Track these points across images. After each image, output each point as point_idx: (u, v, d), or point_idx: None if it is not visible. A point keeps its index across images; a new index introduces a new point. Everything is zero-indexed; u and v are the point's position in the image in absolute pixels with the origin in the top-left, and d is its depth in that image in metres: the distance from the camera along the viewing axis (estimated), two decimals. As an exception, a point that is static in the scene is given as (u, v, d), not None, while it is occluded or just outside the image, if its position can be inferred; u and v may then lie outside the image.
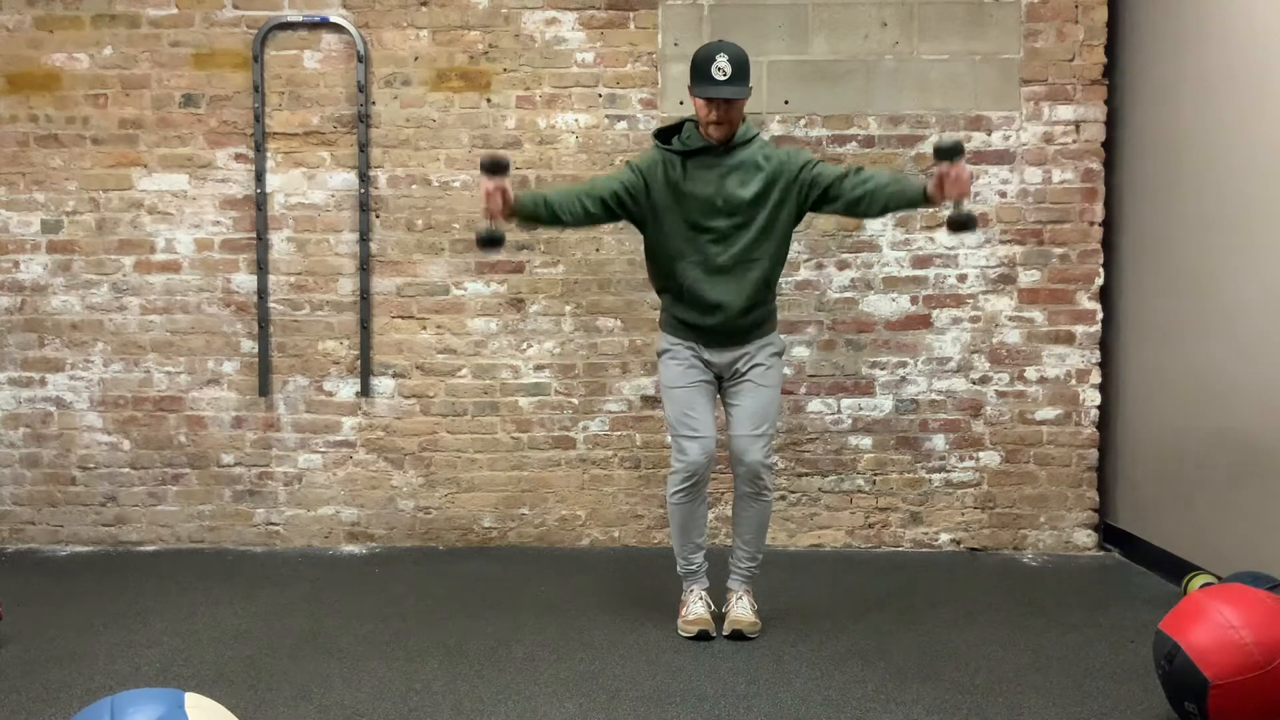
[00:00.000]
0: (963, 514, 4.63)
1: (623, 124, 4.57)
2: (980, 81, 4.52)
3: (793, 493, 4.63)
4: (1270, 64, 3.59)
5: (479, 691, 3.02)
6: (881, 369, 4.61)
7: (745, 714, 2.86)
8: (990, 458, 4.62)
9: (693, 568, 3.59)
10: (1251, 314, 3.67)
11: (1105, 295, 4.59)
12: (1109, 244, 4.59)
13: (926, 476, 4.62)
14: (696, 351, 3.48)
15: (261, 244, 4.59)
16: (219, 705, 2.06)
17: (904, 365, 4.60)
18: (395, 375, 4.64)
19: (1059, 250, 4.58)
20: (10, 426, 4.65)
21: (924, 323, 4.60)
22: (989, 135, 4.54)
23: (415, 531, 4.66)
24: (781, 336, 3.66)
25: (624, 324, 4.61)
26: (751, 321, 3.45)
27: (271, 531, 4.67)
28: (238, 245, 4.60)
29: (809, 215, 4.43)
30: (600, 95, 4.57)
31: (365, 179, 4.57)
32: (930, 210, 4.57)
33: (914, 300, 4.59)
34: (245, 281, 4.61)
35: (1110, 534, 4.63)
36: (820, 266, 4.60)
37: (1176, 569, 4.03)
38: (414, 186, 4.60)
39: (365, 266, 4.59)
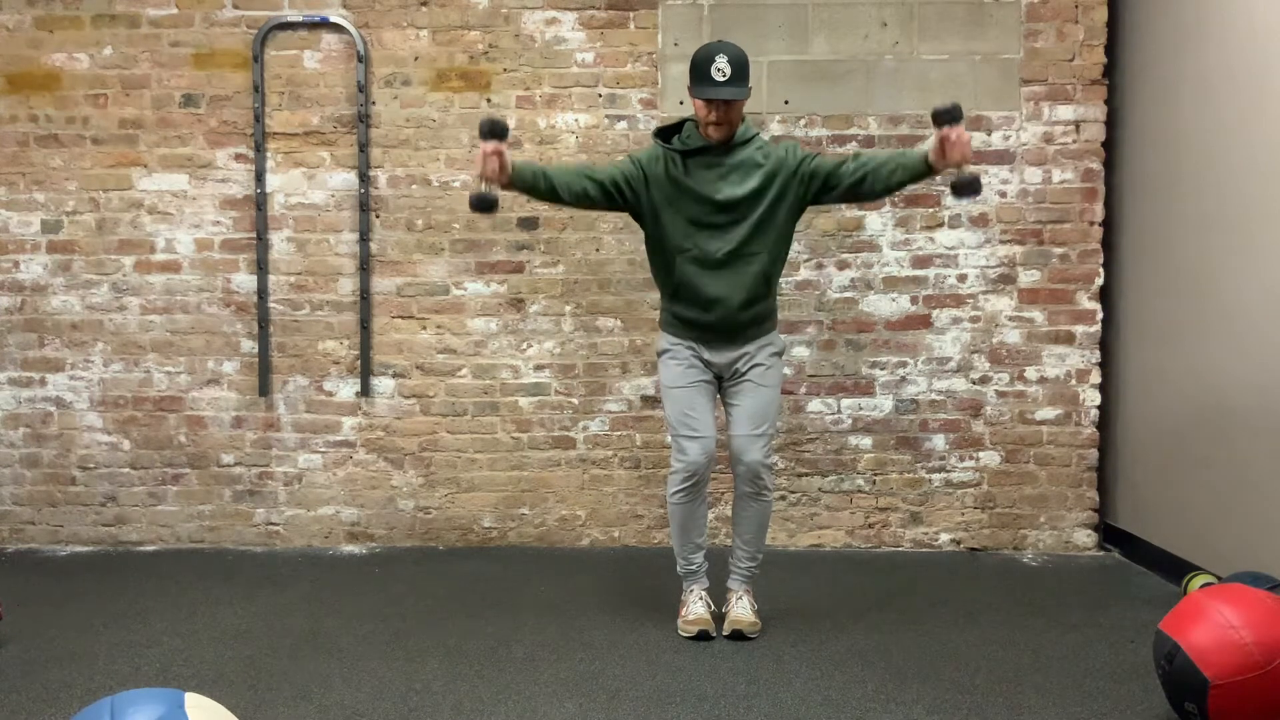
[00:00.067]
0: (963, 514, 4.63)
1: (623, 124, 4.57)
2: (980, 81, 4.52)
3: (793, 493, 4.63)
4: (1270, 64, 3.59)
5: (479, 691, 3.02)
6: (881, 369, 4.61)
7: (745, 714, 2.86)
8: (990, 458, 4.62)
9: (693, 568, 3.59)
10: (1251, 314, 3.67)
11: (1105, 295, 4.59)
12: (1109, 244, 4.59)
13: (926, 476, 4.62)
14: (696, 351, 3.48)
15: (261, 244, 4.59)
16: (219, 705, 2.06)
17: (904, 365, 4.61)
18: (395, 375, 4.64)
19: (1059, 250, 4.58)
20: (10, 426, 4.65)
21: (924, 323, 4.60)
22: (989, 135, 4.54)
23: (415, 531, 4.66)
24: (781, 336, 3.66)
25: (624, 324, 4.62)
26: (751, 317, 3.45)
27: (271, 531, 4.67)
28: (238, 245, 4.61)
29: (809, 215, 4.46)
30: (600, 95, 4.57)
31: (365, 179, 4.57)
32: (931, 209, 4.58)
33: (914, 300, 4.59)
34: (245, 281, 4.61)
35: (1110, 534, 4.63)
36: (820, 266, 4.60)
37: (1176, 569, 4.03)
38: (414, 186, 4.60)
39: (365, 266, 4.60)
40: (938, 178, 4.55)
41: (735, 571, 3.59)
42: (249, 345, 4.62)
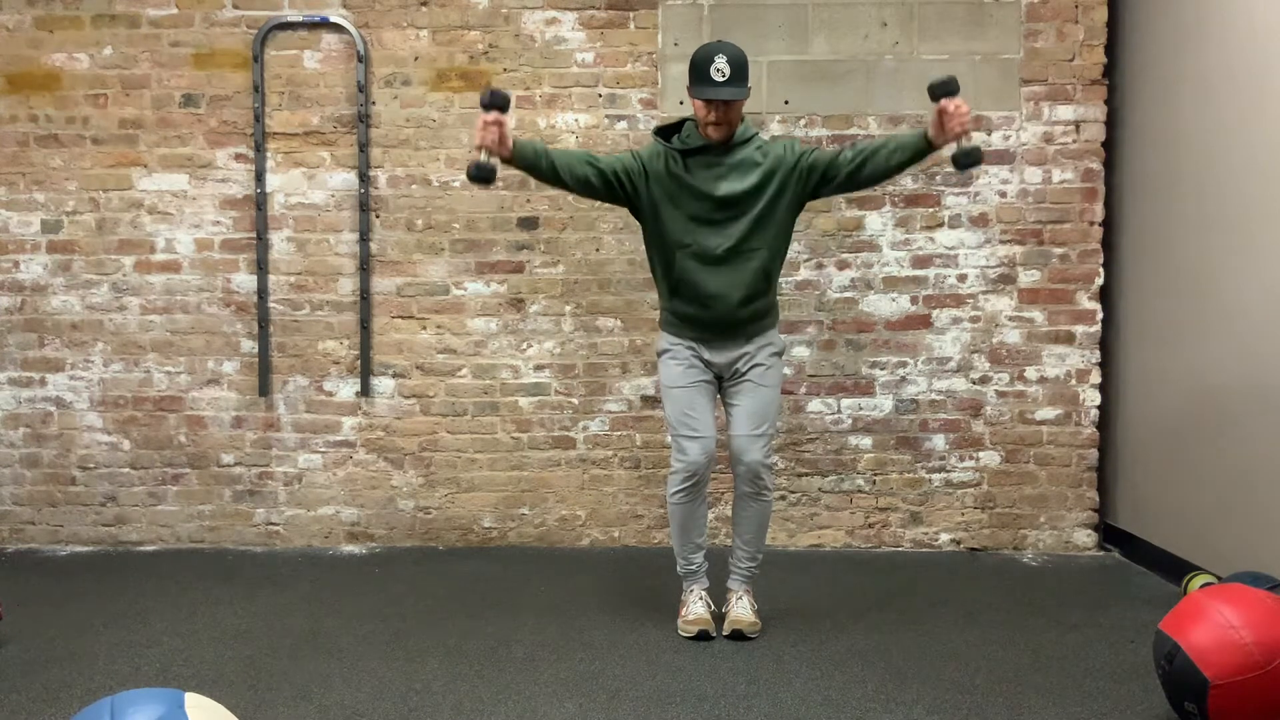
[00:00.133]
0: (963, 514, 4.63)
1: (623, 124, 4.57)
2: (980, 81, 4.52)
3: (793, 493, 4.63)
4: (1270, 64, 3.59)
5: (479, 691, 3.02)
6: (881, 369, 4.61)
7: (745, 714, 2.86)
8: (990, 458, 4.62)
9: (693, 568, 3.59)
10: (1251, 314, 3.67)
11: (1105, 295, 4.59)
12: (1109, 244, 4.59)
13: (926, 476, 4.62)
14: (697, 351, 3.48)
15: (261, 244, 4.59)
16: (219, 705, 2.06)
17: (904, 365, 4.60)
18: (395, 375, 4.64)
19: (1059, 250, 4.58)
20: (10, 426, 4.65)
21: (924, 323, 4.60)
22: (989, 135, 4.54)
23: (415, 531, 4.66)
24: (781, 336, 3.65)
25: (624, 324, 4.62)
26: (750, 314, 3.44)
27: (271, 531, 4.67)
28: (238, 245, 4.61)
29: (809, 215, 4.47)
30: (600, 95, 4.57)
31: (365, 179, 4.57)
32: (931, 209, 4.58)
33: (914, 300, 4.59)
34: (245, 281, 4.61)
35: (1110, 534, 4.63)
36: (820, 266, 4.60)
37: (1176, 569, 4.03)
38: (414, 186, 4.60)
39: (365, 266, 4.60)
40: (936, 179, 4.57)
41: (735, 571, 3.59)
42: (249, 345, 4.62)
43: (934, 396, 4.61)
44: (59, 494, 4.66)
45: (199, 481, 4.65)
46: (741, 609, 3.51)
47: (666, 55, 4.56)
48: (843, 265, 4.59)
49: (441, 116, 4.58)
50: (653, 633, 3.53)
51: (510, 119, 3.28)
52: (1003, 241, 4.58)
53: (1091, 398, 4.59)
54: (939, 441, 4.61)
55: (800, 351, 4.60)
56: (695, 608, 3.52)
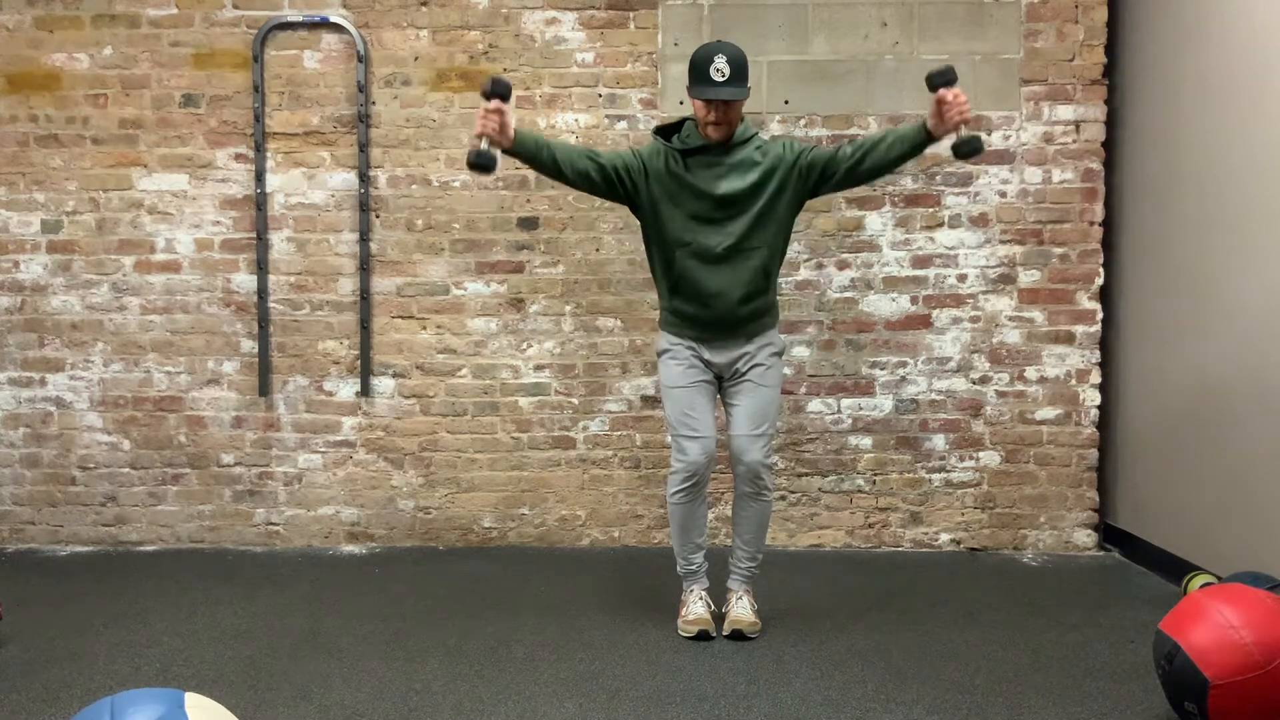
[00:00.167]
0: (963, 514, 4.63)
1: (623, 124, 4.57)
2: (980, 81, 4.51)
3: (793, 493, 4.63)
4: (1270, 64, 3.59)
5: (479, 691, 3.02)
6: (881, 369, 4.61)
7: (745, 714, 2.86)
8: (990, 458, 4.62)
9: (693, 568, 3.59)
10: (1251, 314, 3.67)
11: (1105, 295, 4.59)
12: (1109, 244, 4.59)
13: (926, 476, 4.62)
14: (697, 351, 3.48)
15: (261, 244, 4.59)
16: (219, 705, 2.06)
17: (904, 365, 4.60)
18: (395, 375, 4.64)
19: (1059, 250, 4.58)
20: (10, 426, 4.65)
21: (924, 323, 4.60)
22: (989, 135, 4.53)
23: (415, 531, 4.66)
24: (781, 336, 3.65)
25: (624, 324, 4.62)
26: (750, 312, 3.44)
27: (271, 531, 4.67)
28: (238, 245, 4.61)
29: (809, 215, 4.47)
30: (600, 95, 4.57)
31: (365, 179, 4.57)
32: (931, 209, 4.58)
33: (914, 300, 4.59)
34: (245, 281, 4.61)
35: (1110, 534, 4.63)
36: (820, 266, 4.60)
37: (1176, 569, 4.03)
38: (414, 186, 4.60)
39: (365, 266, 4.60)
40: (935, 179, 4.57)
41: (735, 571, 3.59)
42: (249, 345, 4.62)
43: (934, 396, 4.61)
44: (59, 494, 4.66)
45: (199, 481, 4.65)
46: (741, 609, 3.51)
47: (666, 55, 4.56)
48: (843, 265, 4.59)
49: (441, 116, 4.58)
50: (653, 633, 3.53)
51: (511, 112, 3.28)
52: (1003, 241, 4.58)
53: (1091, 398, 4.59)
54: (939, 441, 4.61)
55: (800, 351, 4.60)
56: (695, 608, 3.52)
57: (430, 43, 4.57)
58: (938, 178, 4.57)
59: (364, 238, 4.58)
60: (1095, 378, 4.60)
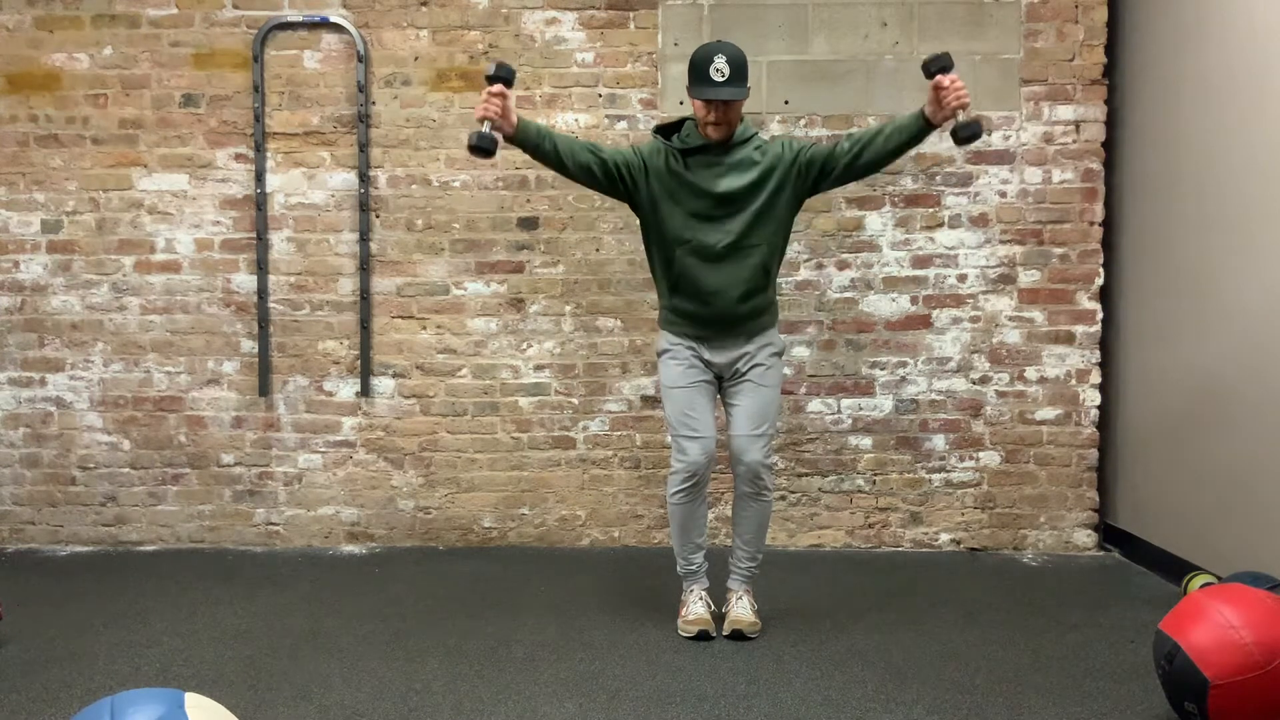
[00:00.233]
0: (963, 514, 4.63)
1: (623, 124, 4.57)
2: (980, 81, 4.51)
3: (793, 493, 4.63)
4: (1270, 64, 3.59)
5: (479, 691, 3.02)
6: (881, 369, 4.61)
7: (745, 714, 2.86)
8: (990, 458, 4.62)
9: (693, 568, 3.59)
10: (1251, 314, 3.67)
11: (1105, 295, 4.59)
12: (1109, 244, 4.59)
13: (926, 476, 4.62)
14: (697, 351, 3.48)
15: (261, 244, 4.59)
16: (219, 705, 2.06)
17: (904, 365, 4.60)
18: (395, 375, 4.64)
19: (1059, 250, 4.58)
20: (10, 426, 4.65)
21: (924, 323, 4.60)
22: (989, 135, 4.53)
23: (415, 531, 4.66)
24: (781, 336, 3.65)
25: (624, 324, 4.61)
26: (750, 310, 3.44)
27: (271, 531, 4.67)
28: (238, 245, 4.61)
29: (809, 215, 4.47)
30: (600, 95, 4.57)
31: (365, 179, 4.57)
32: (931, 209, 4.58)
33: (914, 300, 4.59)
34: (245, 281, 4.61)
35: (1110, 534, 4.63)
36: (820, 266, 4.60)
37: (1176, 569, 4.03)
38: (414, 186, 4.60)
39: (365, 266, 4.60)
40: (935, 179, 4.57)
41: (735, 571, 3.59)
42: (249, 345, 4.62)
43: (934, 396, 4.61)
44: (59, 494, 4.66)
45: (199, 481, 4.65)
46: (741, 609, 3.51)
47: (666, 55, 4.56)
48: (843, 265, 4.59)
49: (441, 116, 4.58)
50: (653, 633, 3.53)
51: (513, 98, 3.29)
52: (1003, 241, 4.58)
53: (1091, 398, 4.59)
54: (939, 441, 4.61)
55: (800, 351, 4.60)
56: (695, 608, 3.52)
57: (430, 43, 4.57)
58: (938, 178, 4.57)
59: (364, 238, 4.58)
60: (1095, 378, 4.60)
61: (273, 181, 4.59)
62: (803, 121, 4.57)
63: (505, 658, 3.29)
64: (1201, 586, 3.30)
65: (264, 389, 4.62)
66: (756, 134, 3.47)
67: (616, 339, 4.62)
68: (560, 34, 4.56)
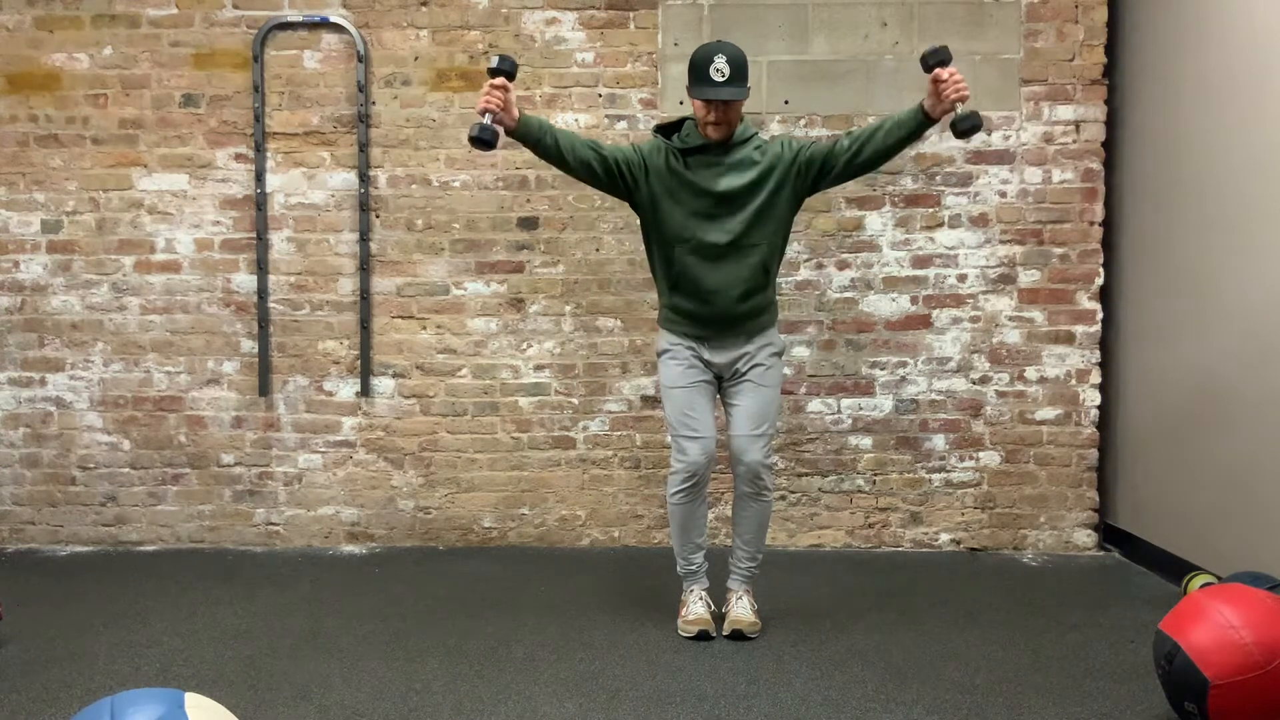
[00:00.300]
0: (963, 514, 4.63)
1: (623, 124, 4.57)
2: (980, 81, 4.51)
3: (793, 493, 4.63)
4: (1270, 64, 3.59)
5: (479, 691, 3.02)
6: (881, 369, 4.61)
7: (745, 714, 2.86)
8: (990, 458, 4.62)
9: (693, 568, 3.59)
10: (1251, 314, 3.67)
11: (1105, 295, 4.59)
12: (1109, 244, 4.59)
13: (926, 476, 4.62)
14: (697, 351, 3.48)
15: (261, 244, 4.59)
16: (219, 705, 2.06)
17: (904, 365, 4.60)
18: (395, 375, 4.64)
19: (1059, 250, 4.58)
20: (10, 426, 4.65)
21: (924, 323, 4.60)
22: (989, 135, 4.53)
23: (415, 531, 4.66)
24: (781, 336, 3.65)
25: (624, 324, 4.61)
26: (749, 309, 3.44)
27: (271, 531, 4.67)
28: (238, 245, 4.61)
29: (809, 215, 4.47)
30: (600, 95, 4.57)
31: (365, 179, 4.57)
32: (931, 209, 4.57)
33: (914, 300, 4.59)
34: (245, 281, 4.61)
35: (1110, 534, 4.63)
36: (820, 266, 4.60)
37: (1176, 569, 4.03)
38: (414, 186, 4.60)
39: (365, 266, 4.60)
40: (935, 179, 4.57)
41: (735, 571, 3.59)
42: (249, 345, 4.62)
43: (934, 396, 4.61)
44: (59, 494, 4.66)
45: (199, 481, 4.65)
46: (741, 609, 3.51)
47: (666, 55, 4.56)
48: (843, 265, 4.59)
49: (441, 116, 4.58)
50: (653, 633, 3.53)
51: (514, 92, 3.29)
52: (1003, 241, 4.58)
53: (1091, 398, 4.59)
54: (939, 441, 4.61)
55: (800, 351, 4.60)
56: (695, 608, 3.52)
57: (430, 43, 4.57)
58: (938, 178, 4.57)
59: (364, 238, 4.59)
60: (1095, 378, 4.60)
61: (273, 181, 4.59)
62: (803, 121, 4.57)
63: (505, 658, 3.29)
64: (1201, 586, 3.30)
65: (264, 389, 4.62)
66: (756, 134, 3.47)
67: (616, 339, 4.62)
68: (560, 34, 4.56)
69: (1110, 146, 4.57)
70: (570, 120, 4.56)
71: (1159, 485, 4.29)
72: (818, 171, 3.40)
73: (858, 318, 4.60)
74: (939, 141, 4.49)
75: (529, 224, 4.60)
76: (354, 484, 4.65)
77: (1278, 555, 3.49)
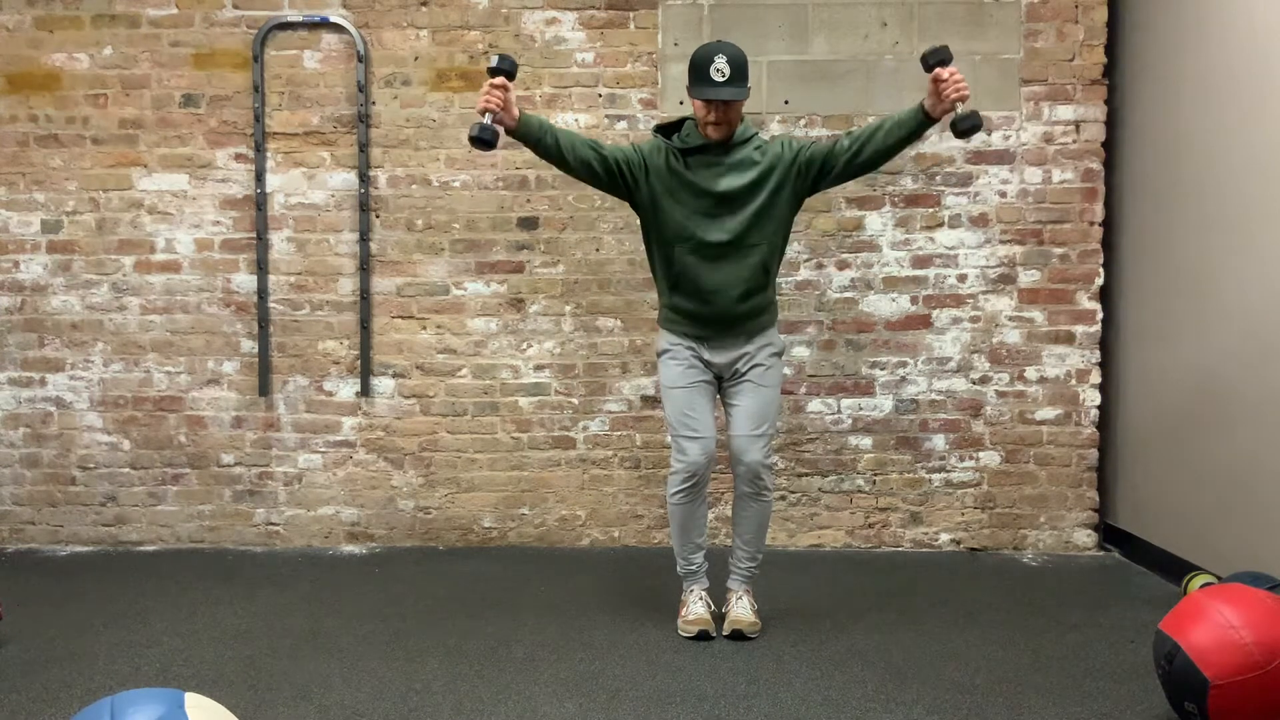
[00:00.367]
0: (963, 514, 4.63)
1: (623, 124, 4.57)
2: (980, 81, 4.51)
3: (793, 493, 4.63)
4: (1270, 64, 3.59)
5: (479, 691, 3.02)
6: (881, 369, 4.61)
7: (745, 714, 2.86)
8: (990, 458, 4.62)
9: (693, 568, 3.59)
10: (1251, 314, 3.67)
11: (1105, 295, 4.59)
12: (1109, 244, 4.59)
13: (926, 476, 4.62)
14: (697, 351, 3.48)
15: (261, 244, 4.59)
16: (219, 705, 2.06)
17: (904, 365, 4.60)
18: (395, 375, 4.64)
19: (1059, 250, 4.58)
20: (10, 426, 4.65)
21: (924, 323, 4.60)
22: (989, 135, 4.53)
23: (415, 531, 4.66)
24: (781, 336, 3.65)
25: (624, 324, 4.61)
26: (749, 309, 3.44)
27: (271, 531, 4.67)
28: (238, 245, 4.61)
29: (809, 215, 4.48)
30: (600, 95, 4.57)
31: (365, 179, 4.57)
32: (931, 209, 4.57)
33: (914, 300, 4.59)
34: (245, 281, 4.61)
35: (1110, 534, 4.63)
36: (820, 266, 4.60)
37: (1176, 569, 4.03)
38: (414, 186, 4.60)
39: (365, 266, 4.60)
40: (935, 179, 4.57)
41: (735, 571, 3.59)
42: (249, 345, 4.62)
43: (934, 396, 4.61)
44: (59, 494, 4.66)
45: (199, 481, 4.65)
46: (741, 609, 3.51)
47: (666, 55, 4.56)
48: (843, 265, 4.59)
49: (441, 116, 4.58)
50: (653, 633, 3.53)
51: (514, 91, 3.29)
52: (1003, 241, 4.58)
53: (1091, 398, 4.59)
54: (939, 441, 4.61)
55: (800, 351, 4.60)
56: (695, 608, 3.52)
57: (430, 43, 4.57)
58: (938, 178, 4.57)
59: (364, 238, 4.59)
60: (1095, 378, 4.60)
61: (273, 181, 4.59)
62: (803, 121, 4.57)
63: (505, 658, 3.29)
64: (1201, 586, 3.30)
65: (264, 389, 4.62)
66: (757, 134, 3.47)
67: (616, 339, 4.62)
68: (560, 34, 4.56)
69: (1110, 146, 4.57)
70: (570, 120, 4.56)
71: (1159, 485, 4.29)
72: (818, 172, 3.41)
73: (858, 318, 4.60)
74: (939, 141, 4.49)
75: (529, 224, 4.60)
76: (354, 484, 4.65)
77: (1278, 555, 3.49)
